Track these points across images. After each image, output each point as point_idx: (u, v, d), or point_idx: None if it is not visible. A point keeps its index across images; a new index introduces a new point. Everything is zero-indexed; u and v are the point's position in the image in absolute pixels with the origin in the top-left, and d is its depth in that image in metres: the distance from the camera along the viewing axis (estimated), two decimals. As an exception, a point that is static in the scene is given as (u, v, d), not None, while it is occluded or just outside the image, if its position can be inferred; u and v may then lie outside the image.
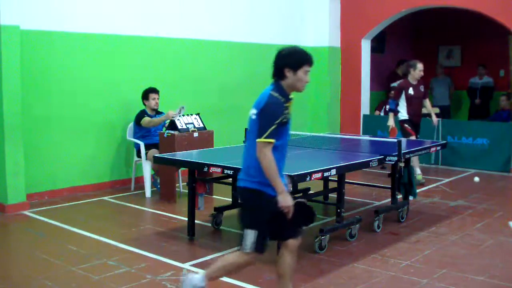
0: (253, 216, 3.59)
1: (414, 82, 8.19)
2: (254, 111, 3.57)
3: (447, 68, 12.63)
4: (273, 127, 3.44)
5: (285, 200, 3.47)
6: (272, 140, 3.45)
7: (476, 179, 6.45)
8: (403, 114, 8.21)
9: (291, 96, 3.63)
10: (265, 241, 3.61)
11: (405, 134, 8.08)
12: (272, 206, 3.49)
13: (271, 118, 3.46)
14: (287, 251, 3.67)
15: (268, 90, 3.60)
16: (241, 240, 3.62)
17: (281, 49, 3.63)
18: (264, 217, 3.55)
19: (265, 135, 3.43)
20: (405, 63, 11.94)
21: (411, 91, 8.15)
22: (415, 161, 8.12)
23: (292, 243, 3.67)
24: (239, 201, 3.89)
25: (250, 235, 3.55)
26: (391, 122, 8.33)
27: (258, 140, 3.46)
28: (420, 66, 8.15)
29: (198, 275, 3.72)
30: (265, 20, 9.88)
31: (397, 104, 8.26)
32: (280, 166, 3.57)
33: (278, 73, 3.59)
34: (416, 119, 8.28)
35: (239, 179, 3.68)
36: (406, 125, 8.15)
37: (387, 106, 10.69)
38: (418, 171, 8.13)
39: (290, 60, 3.55)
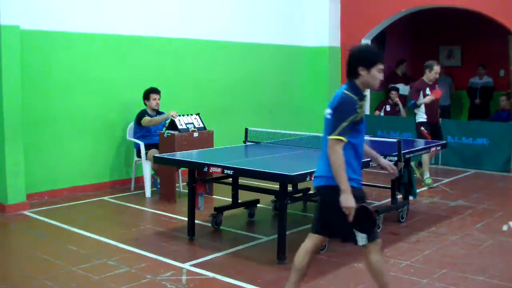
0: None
1: (430, 83, 8.12)
2: (328, 110, 3.61)
3: (447, 68, 12.63)
4: (345, 125, 3.46)
5: (347, 201, 3.44)
6: (343, 138, 3.47)
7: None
8: (422, 116, 8.10)
9: (365, 93, 3.68)
10: (373, 228, 3.61)
11: (420, 136, 8.01)
12: (363, 197, 3.57)
13: (343, 115, 3.49)
14: (368, 254, 3.63)
15: (341, 89, 3.63)
16: (351, 237, 3.58)
17: (353, 49, 3.68)
18: (360, 207, 3.54)
19: (336, 132, 3.46)
20: (404, 63, 11.98)
21: (428, 91, 8.05)
22: (425, 164, 8.08)
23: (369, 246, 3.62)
24: (319, 200, 3.79)
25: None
26: (427, 99, 7.96)
27: (329, 137, 3.49)
28: (437, 68, 8.05)
29: None
30: (265, 20, 9.87)
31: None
32: (356, 164, 3.61)
33: (352, 72, 3.63)
34: (435, 120, 8.18)
35: (316, 178, 3.70)
36: (422, 128, 8.05)
37: (387, 106, 10.72)
38: (427, 174, 8.09)
39: (364, 58, 3.60)
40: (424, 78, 8.13)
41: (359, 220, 3.51)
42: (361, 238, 3.56)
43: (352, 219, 3.47)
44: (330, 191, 3.53)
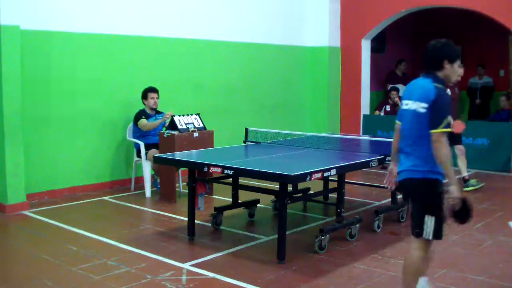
0: (429, 203, 3.64)
1: (450, 84, 8.00)
2: (422, 104, 3.60)
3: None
4: (449, 117, 3.56)
5: (457, 192, 3.53)
6: (449, 130, 3.55)
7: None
8: None
9: None
10: (443, 227, 3.69)
11: None
12: (442, 192, 3.64)
13: (445, 108, 3.57)
14: (413, 247, 3.71)
15: (428, 82, 3.67)
16: (417, 228, 3.65)
17: (434, 42, 3.78)
18: (439, 203, 3.65)
19: (442, 126, 3.51)
20: (403, 63, 11.95)
21: (448, 91, 7.95)
22: None
23: (418, 240, 3.70)
24: (402, 193, 3.90)
25: (430, 223, 3.62)
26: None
27: (434, 131, 3.51)
28: (460, 71, 7.91)
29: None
30: (265, 20, 9.87)
31: None
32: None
33: (436, 65, 3.70)
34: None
35: (403, 172, 3.72)
36: None
37: (387, 106, 10.72)
38: None
39: (449, 52, 3.71)
40: None
41: (459, 212, 3.63)
42: (429, 231, 3.63)
43: (451, 212, 3.57)
44: (422, 183, 3.60)
